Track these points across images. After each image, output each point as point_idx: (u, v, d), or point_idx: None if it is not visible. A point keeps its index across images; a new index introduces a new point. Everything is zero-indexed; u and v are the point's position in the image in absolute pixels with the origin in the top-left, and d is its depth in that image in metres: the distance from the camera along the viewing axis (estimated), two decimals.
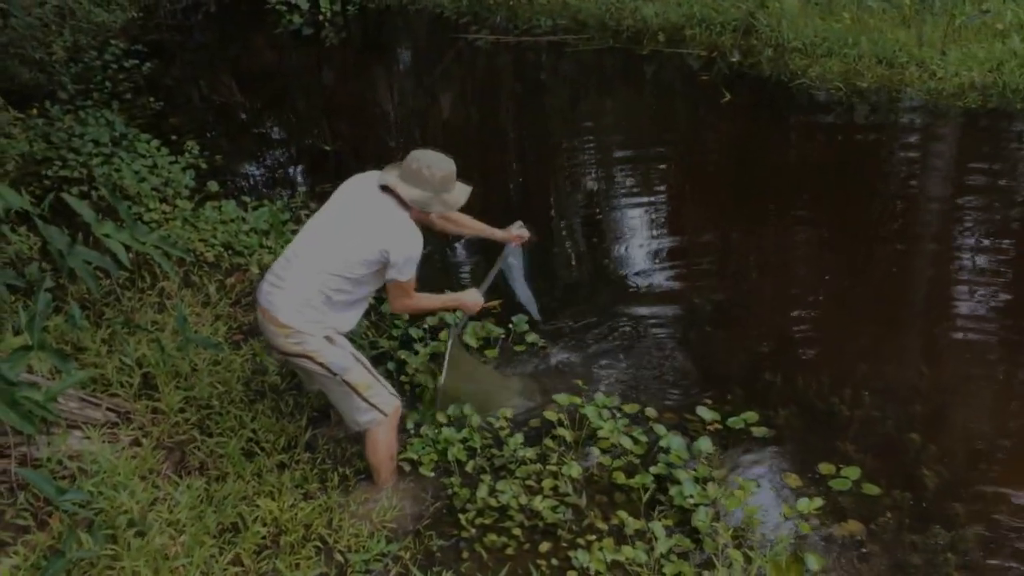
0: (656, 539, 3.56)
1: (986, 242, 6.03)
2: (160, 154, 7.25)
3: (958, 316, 5.26)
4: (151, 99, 9.18)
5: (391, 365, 4.70)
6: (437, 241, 6.21)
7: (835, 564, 3.53)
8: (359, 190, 3.69)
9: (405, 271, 3.53)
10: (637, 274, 5.83)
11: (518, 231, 4.35)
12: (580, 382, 4.58)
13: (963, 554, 3.55)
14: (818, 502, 3.73)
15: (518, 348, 4.99)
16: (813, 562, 3.44)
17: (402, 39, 13.74)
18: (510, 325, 5.07)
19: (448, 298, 4.12)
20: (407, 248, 3.50)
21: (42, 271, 4.95)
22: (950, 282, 5.66)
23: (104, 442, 3.74)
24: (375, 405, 3.71)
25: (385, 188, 3.58)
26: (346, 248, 3.50)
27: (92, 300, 4.97)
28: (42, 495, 3.35)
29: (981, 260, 5.84)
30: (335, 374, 3.61)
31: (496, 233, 4.33)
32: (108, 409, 3.99)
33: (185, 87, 10.70)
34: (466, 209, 3.85)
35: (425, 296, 3.87)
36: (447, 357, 4.27)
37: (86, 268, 4.35)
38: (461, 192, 3.66)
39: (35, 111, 7.57)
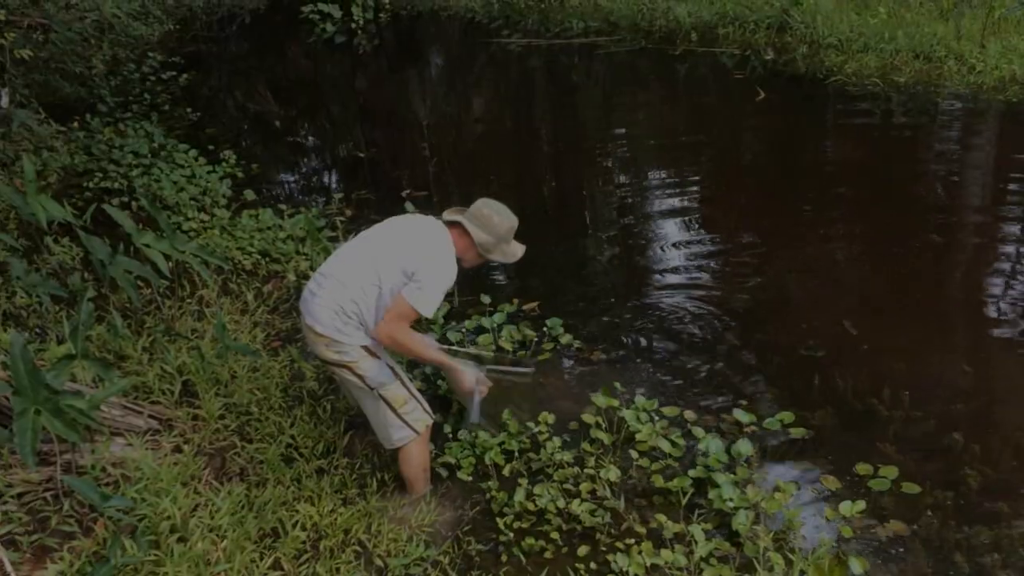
0: (695, 542, 3.53)
1: None
2: (198, 164, 7.37)
3: (1000, 313, 5.16)
4: (189, 110, 9.33)
5: (428, 368, 4.71)
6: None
7: (878, 566, 3.47)
8: (405, 220, 3.79)
9: (419, 295, 3.44)
10: (673, 275, 5.80)
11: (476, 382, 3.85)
12: (618, 384, 4.56)
13: (1008, 553, 3.48)
14: (860, 504, 3.67)
15: (547, 347, 4.97)
16: (856, 565, 3.38)
17: (435, 45, 13.82)
18: (544, 328, 5.07)
19: (448, 361, 3.82)
20: (438, 269, 3.50)
21: (84, 281, 5.04)
22: (992, 279, 5.56)
23: (146, 449, 3.80)
24: (408, 423, 3.71)
25: (445, 223, 3.68)
26: (390, 258, 3.51)
27: (133, 309, 5.05)
28: (87, 502, 3.40)
29: None
30: (372, 388, 3.62)
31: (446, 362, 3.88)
32: (150, 416, 4.05)
33: (221, 97, 10.86)
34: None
35: (420, 339, 3.74)
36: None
37: (127, 278, 4.43)
38: (518, 247, 3.77)
39: (76, 124, 7.73)
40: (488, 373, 3.96)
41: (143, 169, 7.14)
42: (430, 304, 3.47)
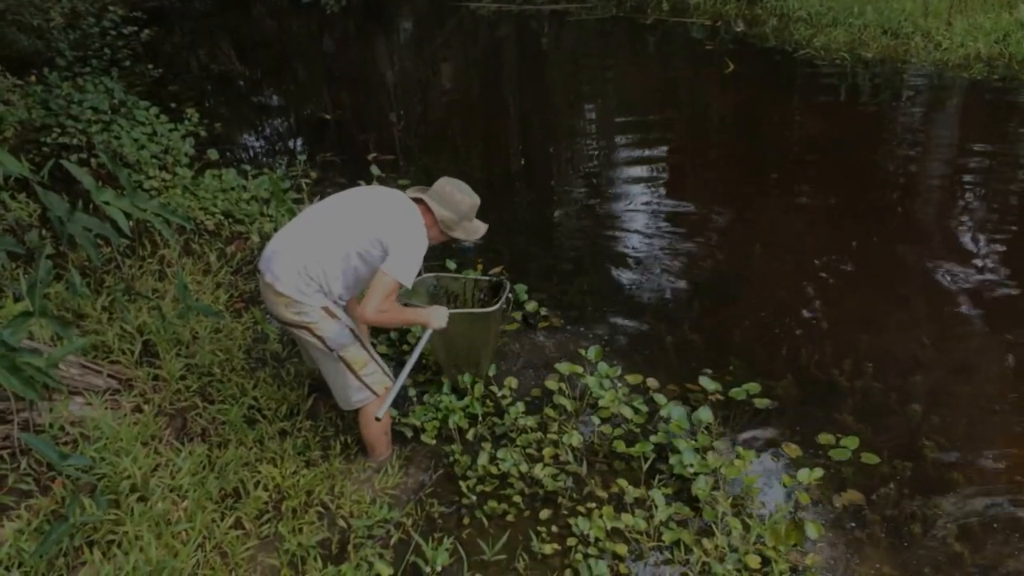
0: (656, 507, 3.58)
1: (989, 213, 6.02)
2: (159, 121, 7.22)
3: (960, 287, 5.24)
4: (150, 66, 9.15)
5: (394, 334, 4.70)
6: None
7: (834, 532, 3.54)
8: (372, 188, 3.77)
9: (398, 266, 3.43)
10: (639, 243, 5.82)
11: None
12: (582, 351, 4.57)
13: (962, 523, 3.57)
14: (818, 472, 3.73)
15: (515, 316, 4.98)
16: (812, 530, 3.45)
17: (403, 7, 13.63)
18: (510, 294, 5.06)
19: (417, 313, 3.81)
20: (411, 237, 3.50)
21: (42, 238, 4.94)
22: (953, 253, 5.64)
23: (106, 408, 3.75)
24: (368, 385, 3.70)
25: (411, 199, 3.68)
26: (361, 225, 3.50)
27: (92, 267, 4.96)
28: (45, 460, 3.36)
29: (984, 231, 5.83)
30: (331, 349, 3.59)
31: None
32: (109, 376, 3.99)
33: (184, 54, 10.65)
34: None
35: (399, 307, 3.69)
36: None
37: (86, 235, 4.34)
38: (480, 226, 3.80)
39: (33, 78, 7.53)
40: (453, 314, 3.87)
41: (103, 125, 6.99)
42: (410, 273, 3.45)
